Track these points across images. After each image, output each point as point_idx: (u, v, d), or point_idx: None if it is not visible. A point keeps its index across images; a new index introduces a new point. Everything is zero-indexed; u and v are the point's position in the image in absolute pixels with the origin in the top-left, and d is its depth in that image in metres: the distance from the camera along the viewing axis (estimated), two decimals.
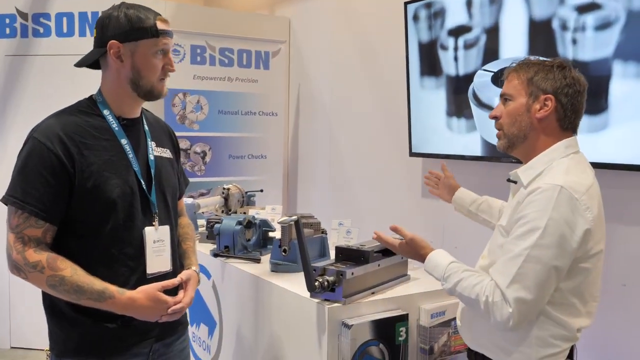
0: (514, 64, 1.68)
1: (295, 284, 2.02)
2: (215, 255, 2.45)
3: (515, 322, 1.49)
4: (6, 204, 1.56)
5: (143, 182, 1.66)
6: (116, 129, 1.65)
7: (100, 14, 1.67)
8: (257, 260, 2.37)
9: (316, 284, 1.79)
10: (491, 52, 2.96)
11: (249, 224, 2.49)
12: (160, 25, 1.63)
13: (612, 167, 2.39)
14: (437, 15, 3.23)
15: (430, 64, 3.32)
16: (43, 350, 3.85)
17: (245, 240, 2.47)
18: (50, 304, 1.62)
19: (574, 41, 2.55)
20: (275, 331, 2.09)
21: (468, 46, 3.08)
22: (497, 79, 2.91)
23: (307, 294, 1.86)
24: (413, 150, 3.51)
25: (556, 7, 2.62)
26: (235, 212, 3.12)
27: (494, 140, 1.73)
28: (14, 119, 4.11)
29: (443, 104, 3.27)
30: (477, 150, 3.10)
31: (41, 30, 4.12)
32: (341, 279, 1.80)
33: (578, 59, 2.51)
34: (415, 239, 1.76)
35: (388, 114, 3.82)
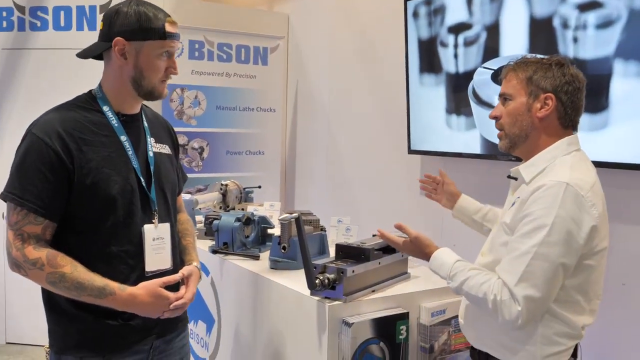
0: (512, 63, 1.67)
1: (295, 281, 2.01)
2: (214, 251, 2.44)
3: (524, 320, 1.48)
4: (5, 201, 1.55)
5: (143, 180, 1.65)
6: (115, 125, 1.63)
7: (109, 6, 1.64)
8: (256, 257, 2.36)
9: (317, 281, 1.78)
10: (491, 50, 2.95)
11: (248, 221, 2.48)
12: (168, 28, 1.61)
13: (612, 166, 2.38)
14: (437, 12, 3.22)
15: (429, 61, 3.31)
16: (39, 346, 3.84)
17: (244, 237, 2.46)
18: (50, 301, 1.61)
19: (575, 39, 2.54)
20: (275, 329, 2.09)
21: (468, 43, 3.07)
22: (497, 76, 2.90)
23: (308, 292, 1.85)
24: (412, 148, 3.50)
25: (557, 5, 2.61)
26: (234, 209, 3.11)
27: (494, 138, 1.72)
28: (10, 114, 4.09)
29: (442, 102, 3.26)
30: (477, 148, 3.09)
31: (38, 23, 4.09)
32: (342, 277, 1.79)
33: (579, 58, 2.51)
34: (420, 237, 1.75)
35: (387, 111, 3.81)
